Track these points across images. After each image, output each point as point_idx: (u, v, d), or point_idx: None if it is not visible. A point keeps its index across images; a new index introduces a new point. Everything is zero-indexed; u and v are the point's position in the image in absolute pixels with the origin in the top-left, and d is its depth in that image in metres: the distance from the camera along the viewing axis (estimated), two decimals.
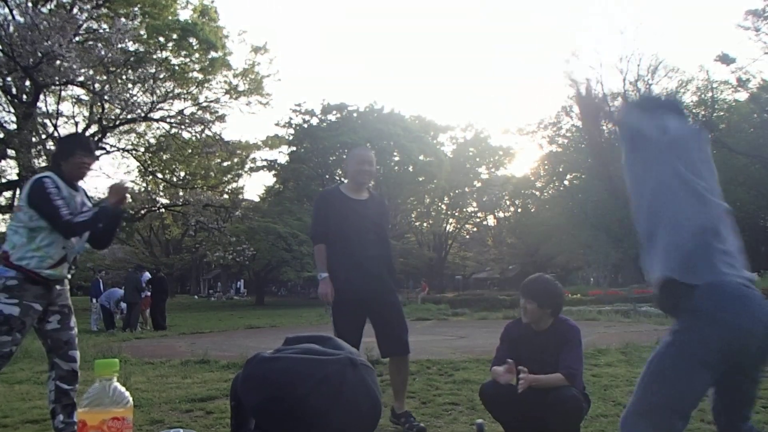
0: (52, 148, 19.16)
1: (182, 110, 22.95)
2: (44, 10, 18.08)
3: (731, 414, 1.86)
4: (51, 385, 2.98)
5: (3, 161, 20.26)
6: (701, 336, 1.68)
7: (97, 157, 3.25)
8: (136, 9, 22.11)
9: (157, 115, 22.19)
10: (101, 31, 19.77)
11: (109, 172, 36.44)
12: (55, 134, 20.96)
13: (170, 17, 23.22)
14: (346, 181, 3.78)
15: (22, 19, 16.51)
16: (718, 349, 1.67)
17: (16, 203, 3.25)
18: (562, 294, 2.93)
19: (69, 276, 3.07)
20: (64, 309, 3.01)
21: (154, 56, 22.37)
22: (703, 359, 1.68)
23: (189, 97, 23.95)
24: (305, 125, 32.96)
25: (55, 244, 2.89)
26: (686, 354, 1.69)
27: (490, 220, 45.39)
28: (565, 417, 2.64)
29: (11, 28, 16.23)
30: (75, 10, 18.69)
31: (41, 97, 19.80)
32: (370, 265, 3.49)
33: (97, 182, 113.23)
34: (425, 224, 41.29)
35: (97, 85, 18.81)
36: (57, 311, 2.98)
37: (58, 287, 3.00)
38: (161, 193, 31.43)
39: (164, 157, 26.83)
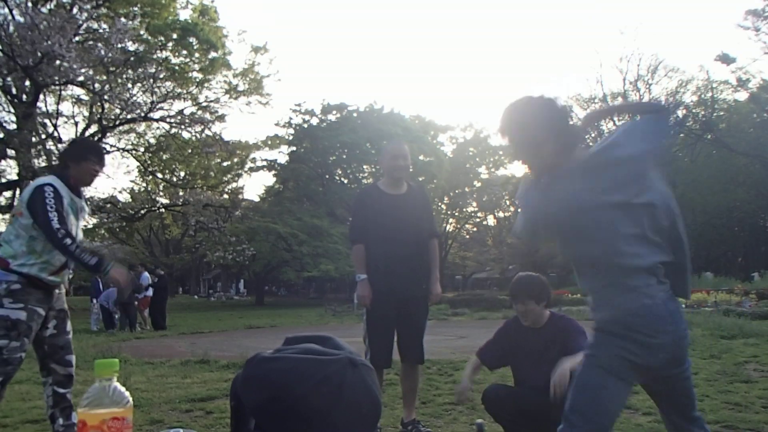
0: (53, 147, 19.17)
1: (182, 110, 22.98)
2: (44, 10, 18.08)
3: (679, 419, 1.91)
4: (48, 391, 2.96)
5: (3, 161, 20.26)
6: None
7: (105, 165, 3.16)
8: (135, 9, 22.11)
9: (157, 115, 22.23)
10: (101, 31, 19.79)
11: (109, 172, 36.49)
12: (55, 134, 20.97)
13: (170, 17, 23.22)
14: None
15: (22, 19, 16.52)
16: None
17: (16, 207, 3.13)
18: (547, 283, 2.92)
19: (67, 279, 3.05)
20: (61, 314, 3.00)
21: (154, 56, 22.38)
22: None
23: (189, 97, 23.96)
24: (305, 125, 32.94)
25: (56, 251, 2.85)
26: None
27: (490, 220, 45.39)
28: None
29: (11, 28, 16.25)
30: (75, 10, 18.70)
31: (41, 97, 19.81)
32: (407, 264, 3.39)
33: (97, 182, 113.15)
34: None
35: (97, 85, 18.82)
36: (55, 316, 2.97)
37: (56, 291, 2.98)
38: (161, 193, 31.49)
39: (164, 157, 26.85)
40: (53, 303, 2.96)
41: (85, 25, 19.23)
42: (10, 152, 18.64)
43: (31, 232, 2.81)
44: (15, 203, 17.12)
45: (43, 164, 18.29)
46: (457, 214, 41.53)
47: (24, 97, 19.42)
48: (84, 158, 2.93)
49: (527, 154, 1.87)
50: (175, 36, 22.78)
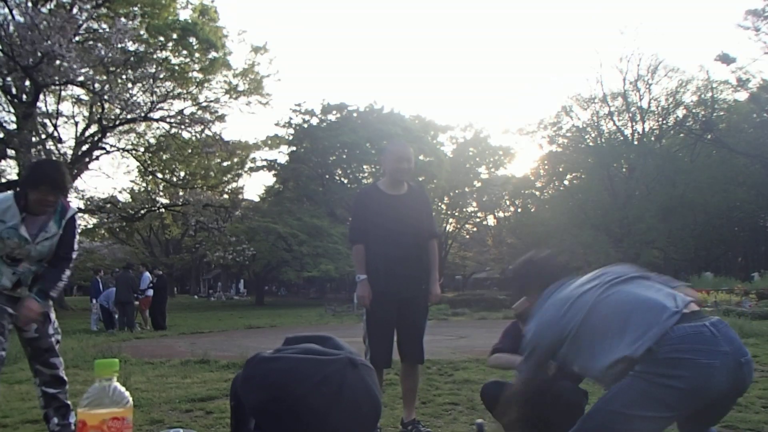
0: (53, 147, 19.17)
1: (182, 110, 22.98)
2: (44, 10, 18.08)
3: (695, 428, 1.97)
4: (38, 392, 2.98)
5: (3, 161, 20.26)
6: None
7: (66, 192, 3.00)
8: (135, 9, 22.11)
9: (157, 115, 22.23)
10: (101, 31, 19.79)
11: (109, 172, 36.58)
12: (55, 134, 20.97)
13: (170, 17, 23.23)
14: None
15: (22, 19, 16.52)
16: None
17: None
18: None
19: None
20: (40, 317, 2.97)
21: (154, 56, 22.38)
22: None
23: (189, 97, 23.97)
24: (305, 125, 32.94)
25: (4, 272, 2.84)
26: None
27: (490, 220, 45.35)
28: (567, 411, 2.62)
29: (11, 28, 16.24)
30: (75, 10, 18.70)
31: (41, 97, 19.80)
32: (407, 265, 3.39)
33: (97, 182, 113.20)
34: None
35: (97, 85, 18.81)
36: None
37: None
38: (161, 193, 31.46)
39: (164, 157, 26.84)
40: None
41: (85, 25, 19.22)
42: (10, 152, 18.65)
43: None
44: None
45: None
46: (457, 214, 41.50)
47: (24, 97, 19.42)
48: (35, 186, 2.79)
49: None
50: (175, 36, 22.79)
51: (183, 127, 22.62)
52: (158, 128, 24.70)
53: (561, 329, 2.00)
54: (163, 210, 28.96)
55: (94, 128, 22.88)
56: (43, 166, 2.92)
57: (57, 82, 18.08)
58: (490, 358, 2.99)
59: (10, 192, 2.87)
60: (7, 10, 17.22)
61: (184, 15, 24.25)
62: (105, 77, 19.01)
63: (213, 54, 23.92)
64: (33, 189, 2.80)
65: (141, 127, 24.52)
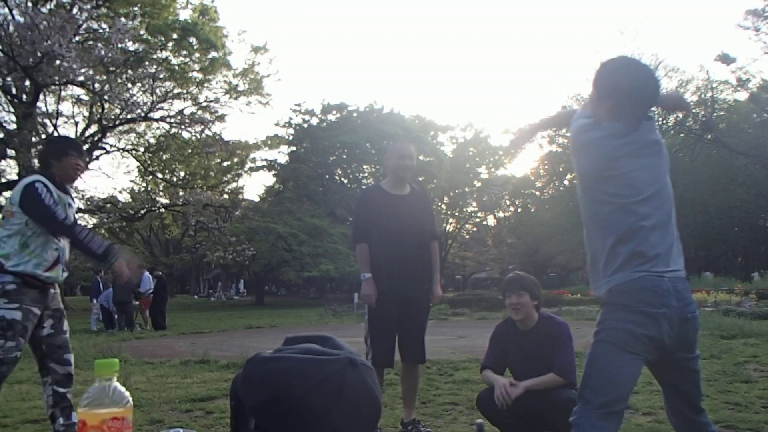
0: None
1: (182, 110, 22.99)
2: (44, 10, 18.07)
3: (684, 408, 2.01)
4: (48, 391, 2.96)
5: (3, 161, 20.26)
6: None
7: (88, 161, 3.14)
8: (135, 9, 22.12)
9: (157, 115, 22.24)
10: (101, 31, 19.79)
11: (108, 172, 36.58)
12: (55, 134, 20.96)
13: (170, 17, 23.23)
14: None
15: (22, 19, 16.52)
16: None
17: (5, 207, 3.17)
18: (539, 285, 2.96)
19: (63, 278, 3.05)
20: (56, 313, 3.01)
21: (154, 56, 22.38)
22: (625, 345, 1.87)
23: (189, 97, 23.97)
24: (305, 125, 32.93)
25: (48, 247, 2.88)
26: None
27: (490, 220, 45.37)
28: (565, 420, 2.62)
29: (11, 28, 16.24)
30: (75, 10, 18.71)
31: (41, 97, 19.80)
32: (409, 265, 3.40)
33: (97, 182, 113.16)
34: None
35: (96, 85, 18.82)
36: (50, 315, 2.98)
37: (51, 291, 3.00)
38: (161, 193, 31.49)
39: (164, 157, 26.86)
40: (48, 302, 2.97)
41: (85, 25, 19.23)
42: (10, 152, 18.64)
43: (24, 231, 2.83)
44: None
45: None
46: (457, 214, 41.49)
47: (24, 97, 19.42)
48: (65, 154, 2.95)
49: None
50: (175, 36, 22.78)
51: (183, 127, 22.64)
52: (158, 128, 24.74)
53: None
54: (163, 210, 28.98)
55: (94, 128, 22.88)
56: (60, 137, 3.23)
57: (57, 82, 18.08)
58: (481, 375, 3.03)
59: (36, 174, 2.96)
60: (7, 10, 17.24)
61: (184, 15, 24.28)
62: (105, 77, 19.02)
63: (213, 54, 23.92)
64: (63, 156, 2.95)
65: (141, 127, 24.55)
